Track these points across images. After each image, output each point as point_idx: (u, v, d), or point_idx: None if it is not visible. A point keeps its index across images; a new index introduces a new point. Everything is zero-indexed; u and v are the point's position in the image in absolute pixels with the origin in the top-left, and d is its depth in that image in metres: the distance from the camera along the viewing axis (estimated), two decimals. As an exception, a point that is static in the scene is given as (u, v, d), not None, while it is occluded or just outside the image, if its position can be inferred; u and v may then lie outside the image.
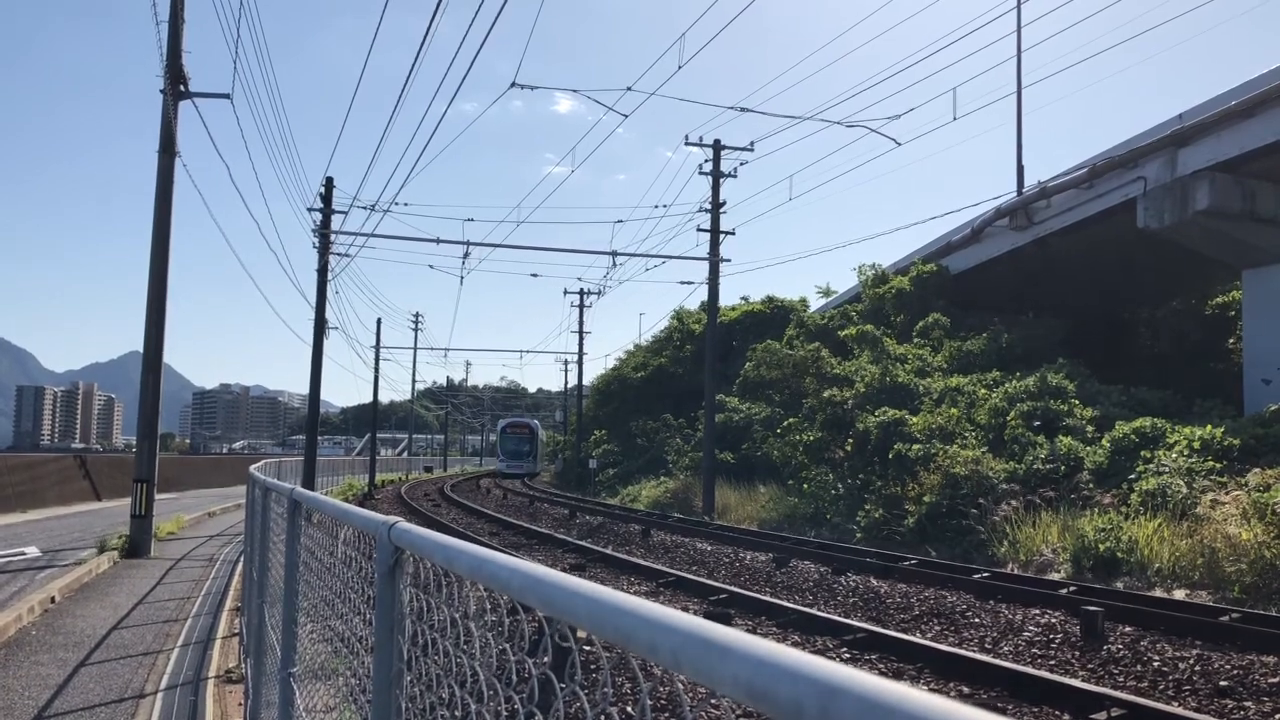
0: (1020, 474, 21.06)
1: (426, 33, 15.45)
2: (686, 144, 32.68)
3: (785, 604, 13.00)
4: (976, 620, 12.18)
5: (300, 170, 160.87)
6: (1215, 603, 13.15)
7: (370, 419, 74.46)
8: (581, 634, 1.47)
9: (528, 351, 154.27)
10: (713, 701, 7.29)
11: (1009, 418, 23.74)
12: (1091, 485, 19.46)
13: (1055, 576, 16.18)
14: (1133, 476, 18.65)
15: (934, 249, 35.56)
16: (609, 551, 19.72)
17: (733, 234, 33.33)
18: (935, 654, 9.98)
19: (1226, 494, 16.16)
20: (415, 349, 76.83)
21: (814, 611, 12.51)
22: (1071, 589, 13.77)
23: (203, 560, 18.73)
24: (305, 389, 36.76)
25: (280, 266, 28.18)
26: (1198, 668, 9.46)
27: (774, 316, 46.78)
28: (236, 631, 11.04)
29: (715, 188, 32.45)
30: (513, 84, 24.15)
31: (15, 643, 10.64)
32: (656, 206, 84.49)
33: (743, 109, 29.66)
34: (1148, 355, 34.47)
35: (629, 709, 7.54)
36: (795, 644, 10.41)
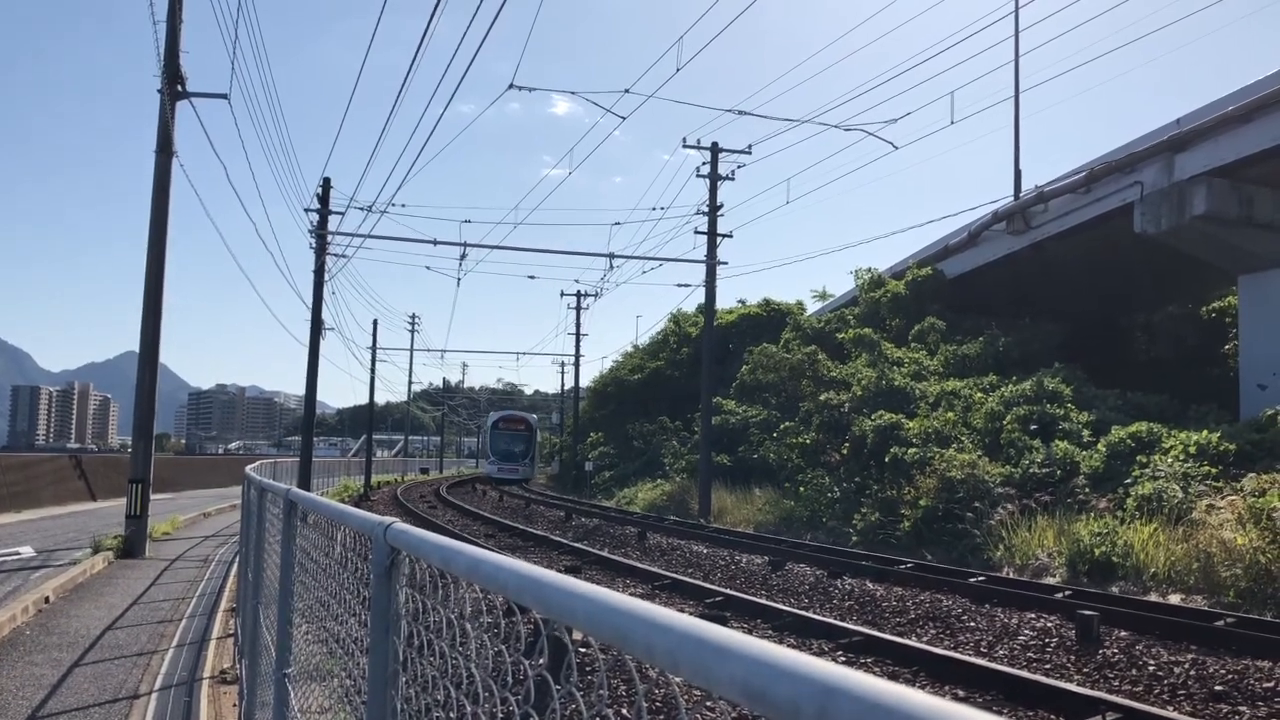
0: (1016, 478, 21.07)
1: (424, 34, 15.45)
2: (684, 146, 32.69)
3: (781, 607, 13.00)
4: (972, 624, 12.19)
5: (297, 171, 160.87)
6: (1210, 607, 13.16)
7: (366, 420, 74.39)
8: (577, 636, 1.47)
9: (524, 353, 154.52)
10: (708, 704, 7.28)
11: (1005, 422, 23.75)
12: (1087, 489, 19.48)
13: (1051, 580, 16.19)
14: (1129, 481, 18.67)
15: (931, 253, 35.59)
16: (605, 554, 19.71)
17: (730, 237, 33.36)
18: (931, 657, 9.98)
19: (1222, 499, 16.17)
20: (412, 350, 76.88)
21: (810, 615, 12.51)
22: (1067, 593, 13.78)
23: (198, 561, 18.70)
24: (301, 390, 36.73)
25: (277, 267, 28.28)
26: (1193, 672, 9.46)
27: (771, 320, 46.79)
28: (231, 632, 11.03)
29: (713, 190, 32.46)
30: (510, 85, 24.15)
31: (9, 643, 10.62)
32: (654, 209, 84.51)
33: (740, 112, 29.68)
34: (1144, 360, 34.51)
35: (624, 711, 7.54)
36: (791, 647, 10.42)
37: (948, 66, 26.65)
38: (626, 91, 25.63)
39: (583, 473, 51.80)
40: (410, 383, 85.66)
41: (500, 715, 1.95)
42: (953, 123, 27.56)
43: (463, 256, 32.80)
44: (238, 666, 8.86)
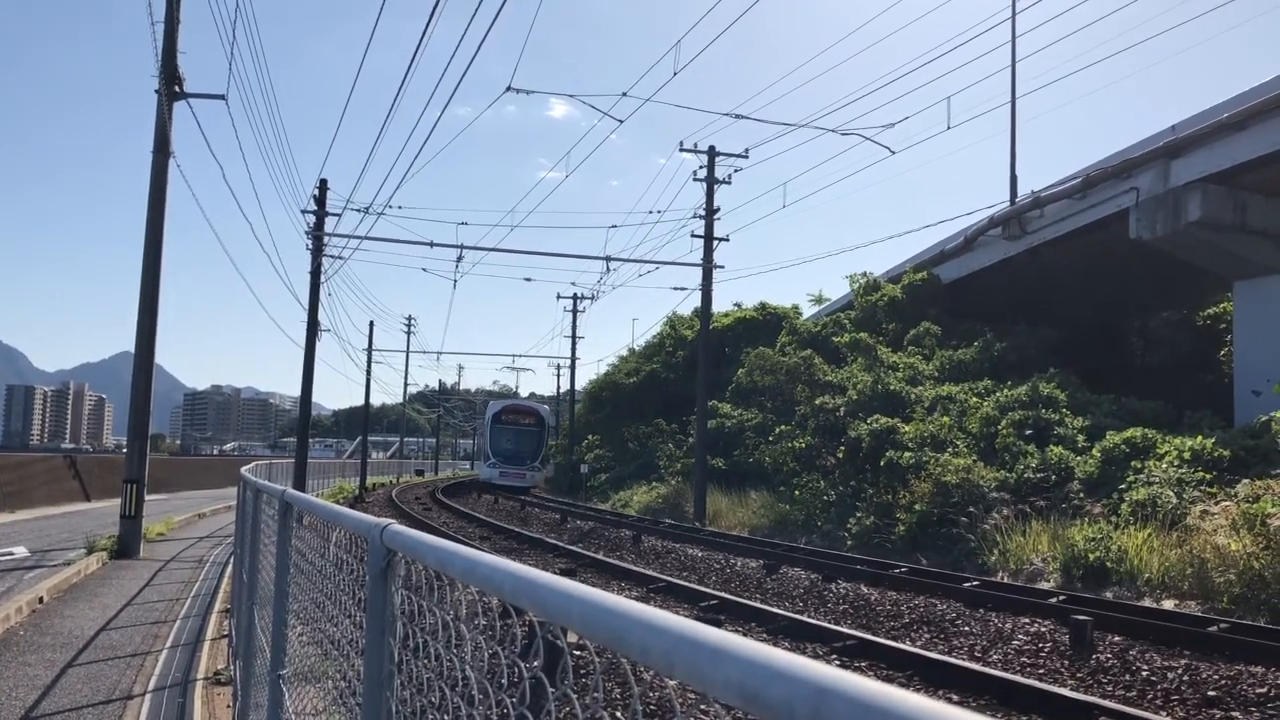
0: (1011, 483, 21.09)
1: (422, 36, 15.47)
2: (681, 150, 32.73)
3: (775, 611, 13.00)
4: (966, 628, 12.20)
5: (294, 173, 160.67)
6: (1204, 613, 13.18)
7: (362, 421, 74.36)
8: (573, 638, 1.48)
9: (520, 356, 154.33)
10: (703, 707, 7.28)
11: (1000, 427, 23.78)
12: (1082, 495, 19.50)
13: (1045, 585, 16.20)
14: (1123, 486, 18.70)
15: (927, 257, 35.64)
16: (600, 557, 19.71)
17: (726, 240, 33.39)
18: (925, 661, 9.99)
19: (1216, 505, 16.20)
20: (408, 352, 76.89)
21: (804, 618, 12.51)
22: (1061, 598, 13.79)
23: (192, 562, 18.67)
24: (297, 391, 36.70)
25: (273, 268, 28.18)
26: (1186, 677, 9.48)
27: (767, 323, 46.81)
28: (226, 633, 11.02)
29: (709, 194, 32.48)
30: (508, 88, 24.17)
31: (2, 643, 10.60)
32: (651, 212, 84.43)
33: (738, 115, 29.71)
34: (1139, 365, 34.59)
35: (618, 714, 7.54)
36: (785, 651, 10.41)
37: (945, 72, 26.72)
38: (624, 95, 25.64)
39: (578, 475, 51.79)
40: (406, 384, 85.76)
41: (495, 717, 1.96)
42: (949, 128, 27.64)
43: (459, 258, 32.75)
44: (232, 668, 8.85)
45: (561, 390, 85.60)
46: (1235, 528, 14.69)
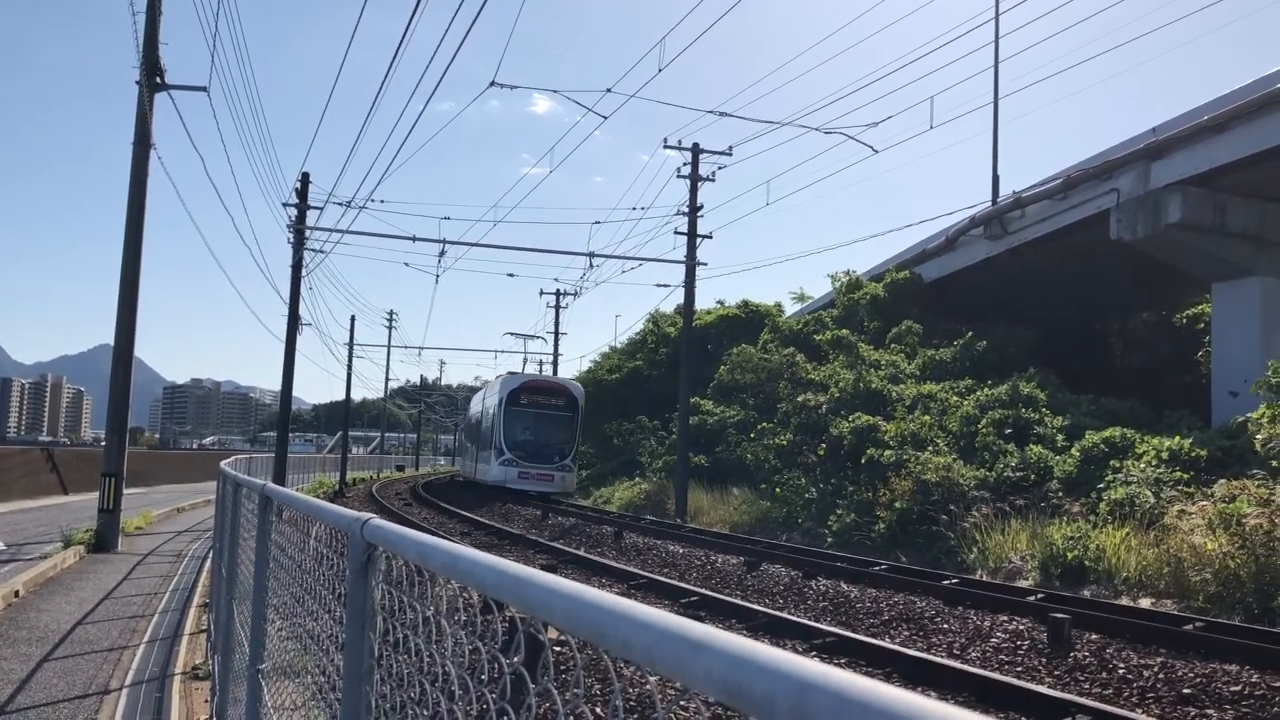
0: (991, 481, 21.20)
1: (405, 31, 15.41)
2: (665, 147, 32.71)
3: (756, 607, 13.03)
4: (945, 626, 12.25)
5: (277, 166, 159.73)
6: (1180, 611, 13.28)
7: (342, 416, 74.14)
8: (553, 634, 1.48)
9: (502, 352, 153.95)
10: (682, 703, 7.29)
11: (980, 425, 23.89)
12: (1061, 494, 19.62)
13: (1024, 584, 16.29)
14: (1102, 486, 18.82)
15: (909, 256, 35.76)
16: (581, 553, 19.70)
17: (710, 238, 33.41)
18: (904, 659, 10.03)
19: (1193, 504, 16.32)
20: (389, 347, 76.83)
21: (784, 615, 12.54)
22: (1039, 596, 13.87)
23: (171, 556, 18.57)
24: (277, 385, 36.59)
25: (254, 262, 28.05)
26: (1162, 675, 9.55)
27: (749, 321, 46.86)
28: (204, 628, 10.97)
29: (693, 191, 32.49)
30: (492, 83, 24.13)
31: (-22, 637, 10.52)
32: (634, 209, 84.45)
33: (721, 113, 29.73)
34: (1119, 365, 34.80)
35: (598, 710, 7.54)
36: (765, 647, 10.42)
37: (928, 71, 26.77)
38: (608, 91, 25.63)
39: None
40: (387, 379, 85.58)
41: (476, 712, 1.96)
42: (932, 127, 27.69)
43: (442, 253, 32.62)
44: (210, 662, 8.81)
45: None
46: (1211, 527, 14.80)
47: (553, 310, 63.37)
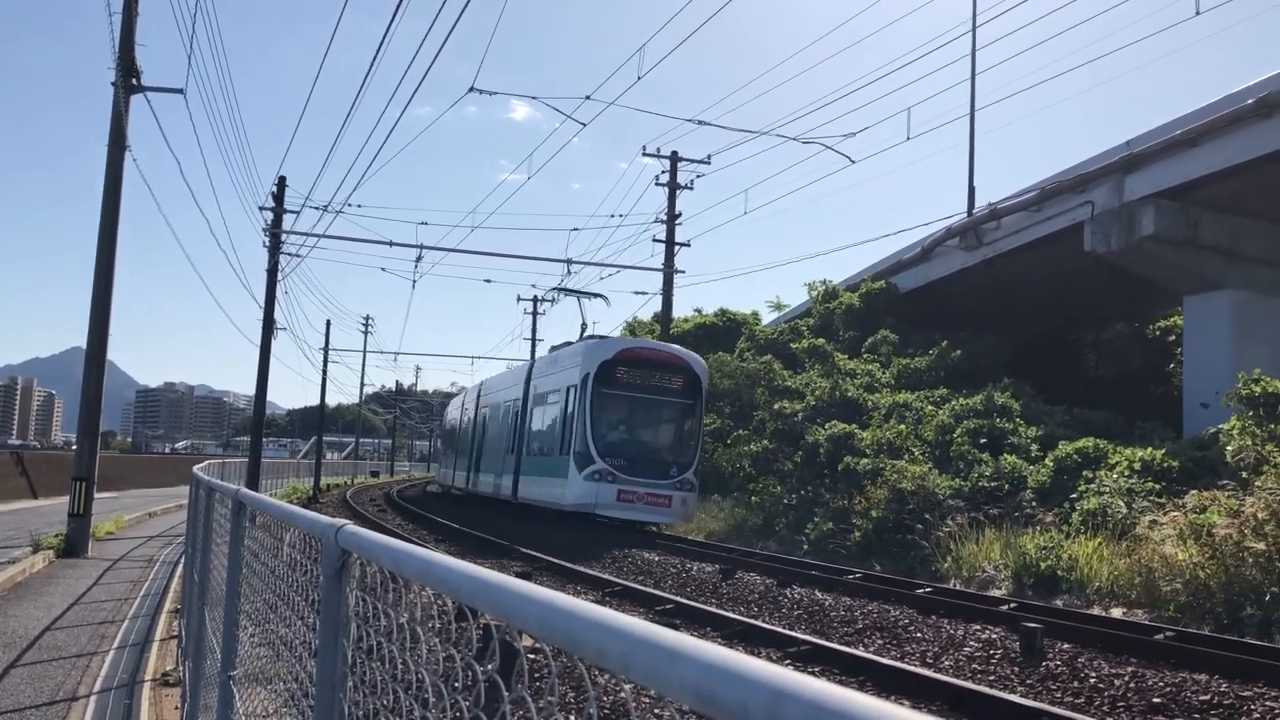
0: (965, 490, 21.30)
1: (384, 35, 15.39)
2: (644, 155, 32.83)
3: (731, 615, 13.02)
4: (919, 635, 12.28)
5: (253, 169, 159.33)
6: (1151, 621, 13.38)
7: (317, 421, 73.75)
8: (528, 641, 1.47)
9: (479, 358, 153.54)
10: (656, 711, 7.27)
11: (955, 435, 24.02)
12: (1034, 503, 19.73)
13: (997, 593, 16.36)
14: (1074, 496, 18.94)
15: (885, 266, 35.94)
16: (555, 560, 19.65)
17: (688, 245, 33.58)
18: (877, 667, 10.06)
19: (1164, 515, 16.45)
20: (365, 352, 76.39)
21: (759, 623, 12.54)
22: (1012, 605, 13.93)
23: (142, 561, 18.41)
24: (251, 390, 36.32)
25: (230, 265, 27.91)
26: (1132, 685, 9.61)
27: (726, 329, 46.94)
28: (175, 634, 10.87)
29: (671, 199, 32.58)
30: (471, 88, 24.14)
31: (-55, 642, 10.39)
32: (612, 216, 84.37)
33: (700, 122, 29.85)
34: (1093, 376, 35.05)
35: (573, 718, 7.52)
36: (739, 655, 10.40)
37: (906, 83, 26.98)
38: (587, 98, 25.68)
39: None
40: (362, 384, 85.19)
41: (449, 719, 1.95)
42: (909, 138, 27.93)
43: (419, 258, 32.47)
44: (181, 669, 8.74)
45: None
46: (1182, 537, 14.92)
47: (530, 317, 63.26)
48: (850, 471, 23.97)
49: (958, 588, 16.93)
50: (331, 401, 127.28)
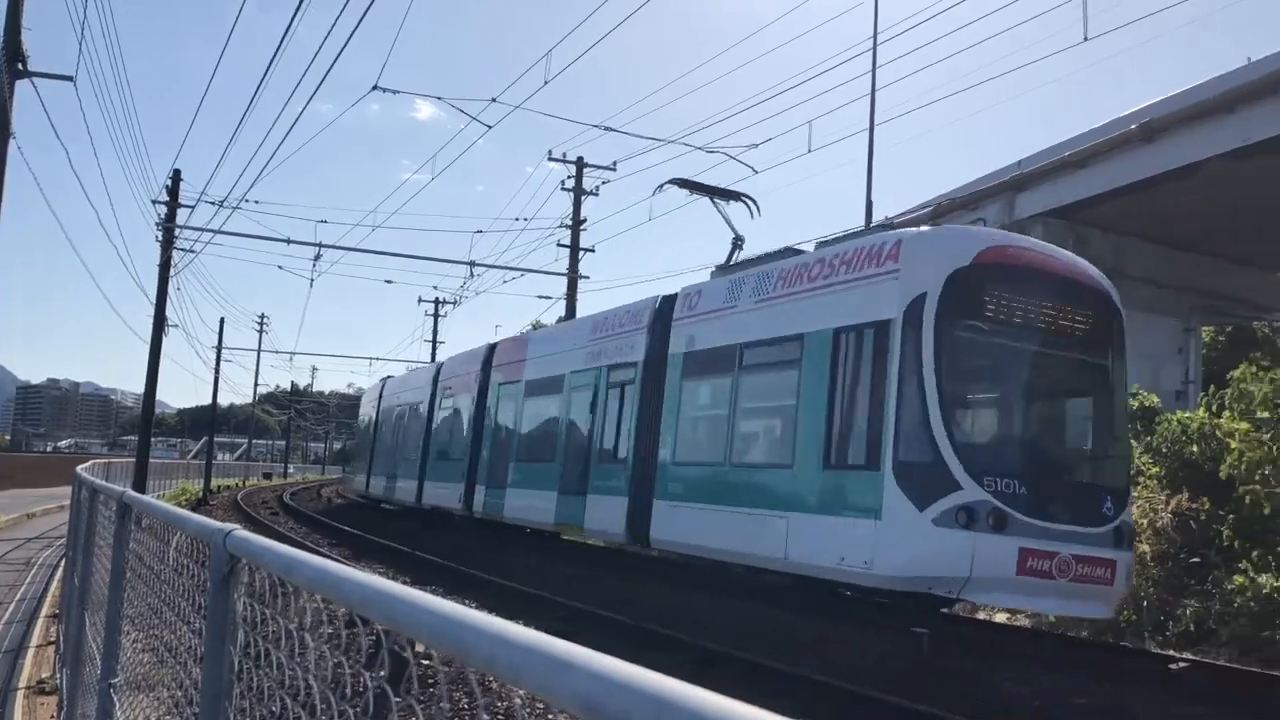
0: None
1: (287, 30, 15.09)
2: (550, 159, 32.75)
3: (630, 622, 13.03)
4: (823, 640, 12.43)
5: (147, 162, 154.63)
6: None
7: (208, 421, 71.87)
8: (420, 648, 1.47)
9: (378, 359, 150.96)
10: (549, 717, 7.27)
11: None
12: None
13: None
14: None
15: (787, 276, 36.36)
16: (457, 567, 19.43)
17: (592, 251, 33.52)
18: (772, 672, 10.17)
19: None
20: (259, 351, 74.53)
21: (658, 629, 12.57)
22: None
23: (19, 564, 17.72)
24: (140, 387, 35.27)
25: (120, 260, 27.07)
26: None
27: (629, 335, 47.08)
28: (53, 640, 10.49)
29: (576, 204, 32.58)
30: (375, 87, 23.76)
31: None
32: (517, 219, 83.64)
33: (607, 128, 29.88)
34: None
35: (466, 725, 7.45)
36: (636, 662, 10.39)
37: (808, 97, 27.42)
38: (493, 100, 25.48)
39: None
40: (256, 384, 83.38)
41: (338, 728, 1.93)
42: (810, 151, 28.31)
43: (317, 257, 31.85)
44: (58, 676, 8.43)
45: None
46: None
47: (431, 319, 62.54)
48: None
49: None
50: (224, 401, 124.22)
